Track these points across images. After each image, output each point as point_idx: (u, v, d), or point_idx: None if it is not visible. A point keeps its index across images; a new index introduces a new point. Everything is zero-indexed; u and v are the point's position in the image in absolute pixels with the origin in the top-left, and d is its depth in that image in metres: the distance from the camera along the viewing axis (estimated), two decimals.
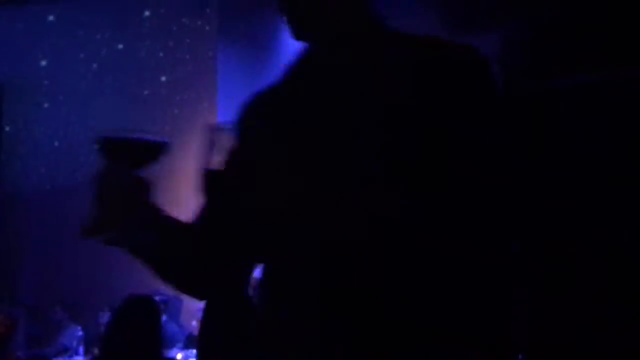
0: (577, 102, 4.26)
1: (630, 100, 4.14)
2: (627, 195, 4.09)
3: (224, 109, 8.30)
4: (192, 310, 7.66)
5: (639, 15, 4.17)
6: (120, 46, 8.70)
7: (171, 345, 6.93)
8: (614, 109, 4.18)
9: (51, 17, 9.12)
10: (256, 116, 1.54)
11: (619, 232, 4.10)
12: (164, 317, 4.72)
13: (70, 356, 7.62)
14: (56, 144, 9.00)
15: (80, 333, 7.92)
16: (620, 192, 4.08)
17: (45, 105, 9.12)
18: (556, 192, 4.27)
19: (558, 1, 4.43)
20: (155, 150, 1.55)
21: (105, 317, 7.43)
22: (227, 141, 1.52)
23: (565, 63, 4.31)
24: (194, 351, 5.52)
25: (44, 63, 9.15)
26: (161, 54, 8.48)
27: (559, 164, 4.34)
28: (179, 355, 6.39)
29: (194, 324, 7.46)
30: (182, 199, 8.58)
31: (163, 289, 7.84)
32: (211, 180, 2.36)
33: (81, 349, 7.65)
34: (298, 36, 1.48)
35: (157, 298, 7.05)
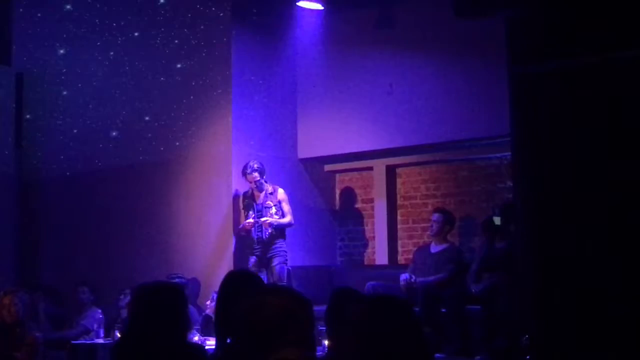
0: (585, 83, 4.26)
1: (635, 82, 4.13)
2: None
3: (238, 95, 8.35)
4: (208, 292, 7.78)
5: None
6: (136, 34, 8.73)
7: (190, 327, 7.01)
8: (625, 90, 4.16)
9: (68, 6, 9.16)
10: None
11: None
12: None
13: (91, 338, 7.70)
14: (75, 131, 9.07)
15: (101, 315, 8.00)
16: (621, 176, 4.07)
17: (64, 93, 9.17)
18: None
19: None
20: None
21: (125, 299, 7.54)
22: None
23: (571, 44, 4.30)
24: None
25: (62, 52, 9.20)
26: (176, 41, 8.48)
27: (566, 148, 4.35)
28: (196, 338, 6.48)
29: (208, 303, 7.57)
30: (197, 183, 8.70)
31: (181, 272, 7.97)
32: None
33: (101, 331, 7.72)
34: None
35: (177, 280, 7.21)
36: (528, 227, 4.47)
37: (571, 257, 4.18)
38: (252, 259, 7.78)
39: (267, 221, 7.69)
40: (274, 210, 7.78)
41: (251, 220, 7.76)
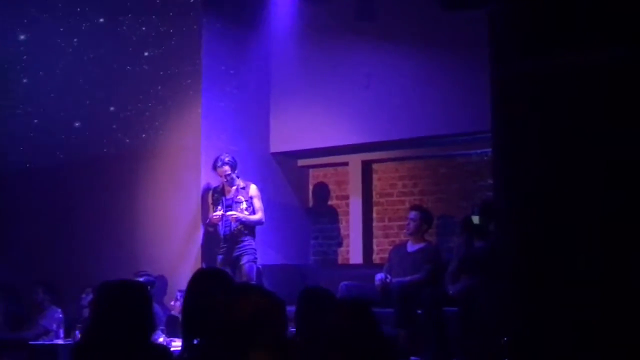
0: (568, 82, 4.28)
1: (624, 81, 4.15)
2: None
3: (209, 85, 8.30)
4: (174, 291, 7.75)
5: None
6: (102, 20, 8.64)
7: (155, 328, 6.97)
8: (608, 91, 4.18)
9: None
10: None
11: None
12: None
13: (51, 339, 7.63)
14: (35, 121, 8.97)
15: (61, 315, 7.94)
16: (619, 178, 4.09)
17: (25, 80, 9.06)
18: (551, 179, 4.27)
19: None
20: None
21: (87, 298, 7.48)
22: None
23: (556, 41, 4.32)
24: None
25: (22, 37, 9.09)
26: (144, 28, 8.42)
27: (548, 146, 4.37)
28: (161, 339, 6.45)
29: (173, 304, 7.53)
30: (165, 177, 8.65)
31: (148, 270, 7.93)
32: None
33: (61, 332, 7.66)
34: None
35: (142, 279, 7.18)
36: (508, 226, 4.47)
37: (553, 257, 4.20)
38: (219, 258, 7.76)
39: (234, 215, 7.66)
40: (244, 205, 7.77)
41: (219, 213, 7.73)
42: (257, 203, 7.85)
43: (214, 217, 7.76)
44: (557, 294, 4.16)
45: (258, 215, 7.82)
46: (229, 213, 7.70)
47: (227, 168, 7.77)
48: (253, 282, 7.49)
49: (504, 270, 4.55)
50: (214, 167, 7.84)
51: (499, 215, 4.66)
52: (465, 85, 7.68)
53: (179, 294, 7.27)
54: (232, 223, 7.71)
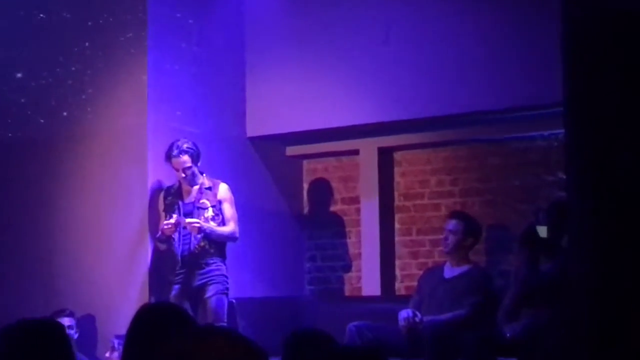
0: None
1: None
2: None
3: (158, 41, 8.28)
4: (107, 338, 7.71)
5: None
6: None
7: None
8: None
9: None
10: None
11: None
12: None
13: None
14: None
15: None
16: None
17: None
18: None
19: None
20: None
21: None
22: None
23: None
24: None
25: None
26: None
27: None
28: None
29: (108, 355, 7.51)
30: (94, 173, 8.62)
31: (69, 307, 7.89)
32: None
33: None
34: None
35: (62, 319, 7.15)
36: (588, 241, 4.45)
37: None
38: (174, 289, 7.78)
39: (195, 224, 7.64)
40: (210, 212, 7.80)
41: (172, 221, 7.71)
42: (229, 210, 7.86)
43: (166, 226, 7.74)
44: None
45: (230, 227, 7.83)
46: (188, 220, 7.69)
47: (186, 158, 7.78)
48: (222, 324, 7.51)
49: (582, 304, 4.52)
50: (168, 158, 7.85)
51: (574, 224, 4.64)
52: (524, 37, 7.70)
53: (116, 342, 7.27)
54: (193, 238, 7.71)
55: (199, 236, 7.71)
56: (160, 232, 7.88)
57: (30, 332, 3.45)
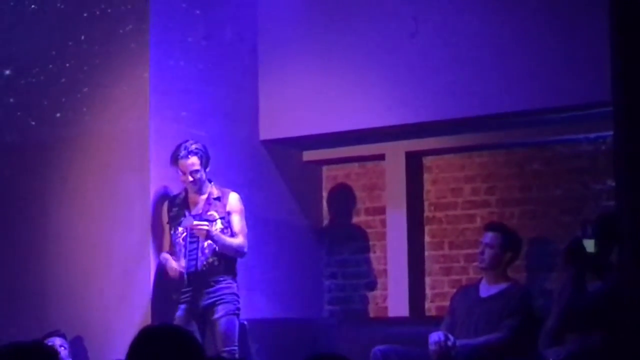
0: None
1: None
2: None
3: (161, 34, 8.28)
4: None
5: None
6: None
7: None
8: None
9: None
10: None
11: None
12: None
13: None
14: None
15: None
16: None
17: None
18: None
19: None
20: None
21: None
22: None
23: None
24: None
25: None
26: None
27: None
28: None
29: None
30: (91, 181, 8.61)
31: (61, 328, 7.90)
32: None
33: None
34: None
35: (52, 341, 7.14)
36: None
37: None
38: (180, 310, 7.78)
39: (203, 226, 7.62)
40: (219, 225, 7.79)
41: (176, 268, 7.70)
42: (238, 222, 7.86)
43: (171, 272, 7.72)
44: None
45: (238, 240, 7.82)
46: (196, 222, 7.68)
47: (194, 160, 7.80)
48: (233, 348, 7.56)
49: (637, 328, 4.51)
50: (174, 160, 7.86)
51: (626, 237, 4.61)
52: (568, 29, 7.70)
53: None
54: (200, 253, 7.72)
55: (206, 251, 7.72)
56: (165, 262, 7.83)
57: (21, 356, 3.47)
